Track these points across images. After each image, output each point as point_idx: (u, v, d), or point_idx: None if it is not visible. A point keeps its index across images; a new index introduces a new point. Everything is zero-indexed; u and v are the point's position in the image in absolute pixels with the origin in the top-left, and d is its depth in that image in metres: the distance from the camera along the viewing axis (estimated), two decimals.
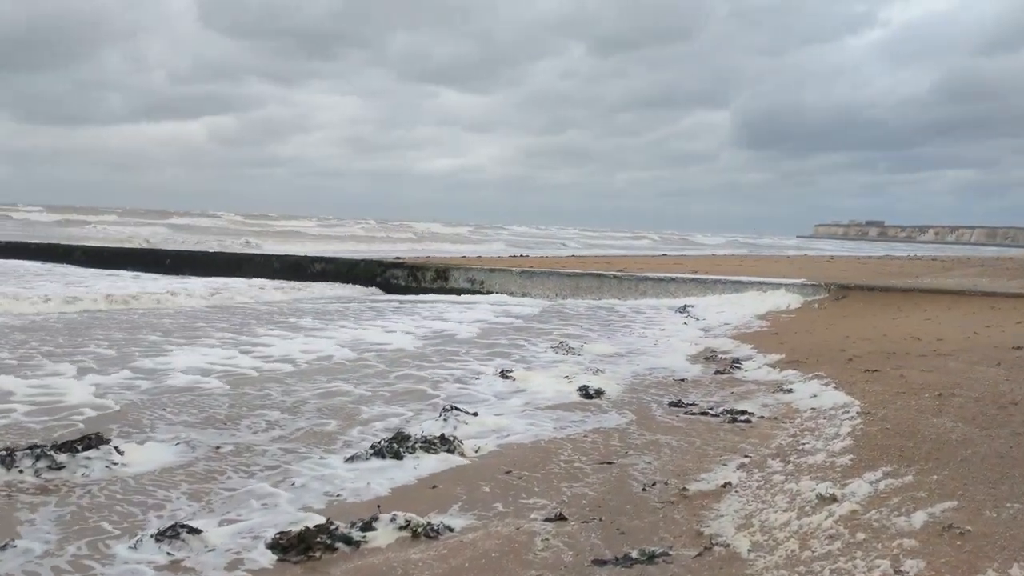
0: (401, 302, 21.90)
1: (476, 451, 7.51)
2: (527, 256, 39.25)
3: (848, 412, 8.76)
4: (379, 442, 7.37)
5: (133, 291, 20.92)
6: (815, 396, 9.80)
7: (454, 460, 7.22)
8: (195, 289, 21.74)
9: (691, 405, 9.53)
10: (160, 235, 55.39)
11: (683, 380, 11.19)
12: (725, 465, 7.08)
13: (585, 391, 10.11)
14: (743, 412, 9.05)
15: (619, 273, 24.46)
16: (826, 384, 10.31)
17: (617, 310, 20.94)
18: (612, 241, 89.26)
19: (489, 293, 24.58)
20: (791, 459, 7.00)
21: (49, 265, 29.86)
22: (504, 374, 10.88)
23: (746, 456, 7.35)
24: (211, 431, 8.04)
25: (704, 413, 9.12)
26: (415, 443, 7.33)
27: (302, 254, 31.67)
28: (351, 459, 7.13)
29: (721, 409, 9.23)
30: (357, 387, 10.32)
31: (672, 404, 9.59)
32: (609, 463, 7.16)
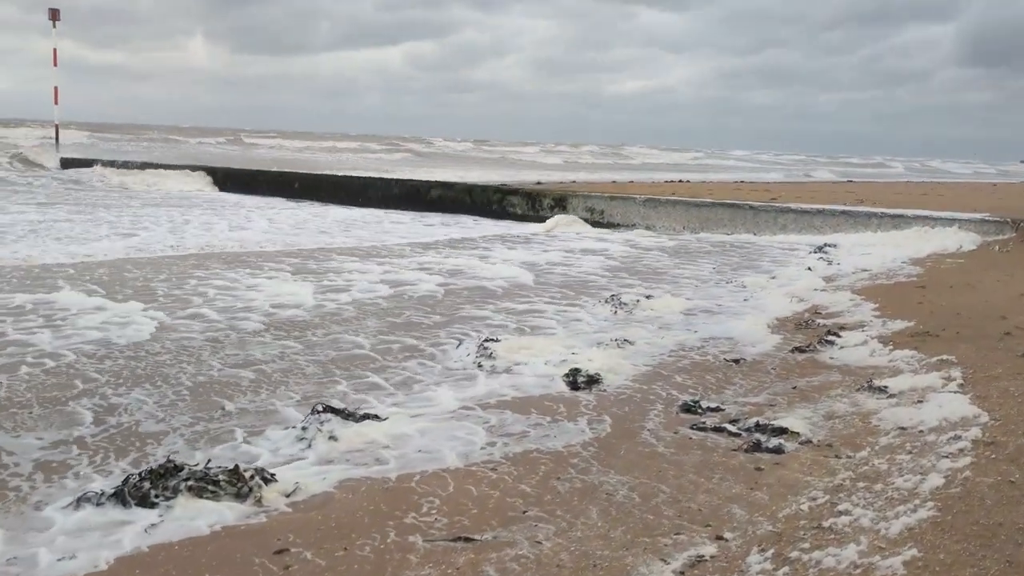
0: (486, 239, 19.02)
1: (288, 495, 4.78)
2: (683, 182, 35.37)
3: (960, 440, 5.40)
4: (136, 474, 4.72)
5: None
6: (920, 403, 6.36)
7: (234, 512, 4.51)
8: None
9: (711, 412, 6.32)
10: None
11: (736, 362, 7.88)
12: (663, 563, 3.96)
13: (574, 378, 7.05)
14: (782, 431, 5.79)
15: (756, 204, 20.57)
16: (948, 379, 6.79)
17: (743, 248, 17.41)
18: (807, 168, 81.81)
19: (612, 226, 21.36)
20: (793, 555, 3.82)
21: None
22: (484, 346, 7.94)
23: (719, 538, 4.19)
24: None
25: (720, 429, 5.91)
26: (184, 480, 4.63)
27: (422, 179, 29.36)
28: (79, 504, 4.53)
29: (752, 423, 5.99)
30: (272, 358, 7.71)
31: (684, 408, 6.41)
32: (468, 540, 4.18)
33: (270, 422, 5.99)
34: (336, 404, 6.13)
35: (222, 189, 29.75)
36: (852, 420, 6.11)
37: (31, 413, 6.04)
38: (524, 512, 4.55)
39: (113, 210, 21.33)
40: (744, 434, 5.83)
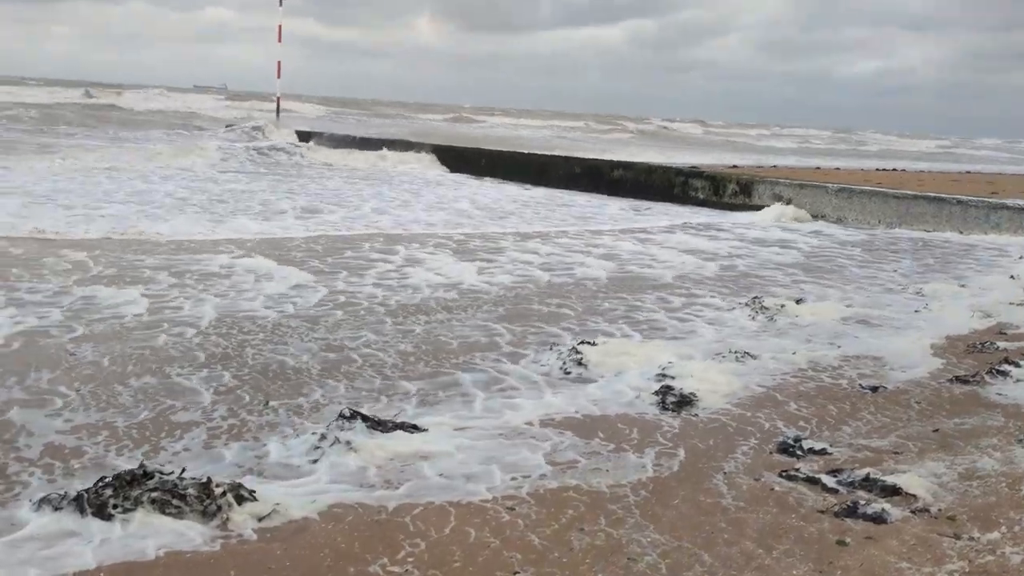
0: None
1: (261, 519, 4.15)
2: (897, 171, 32.42)
3: None
4: (104, 479, 4.27)
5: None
6: None
7: (192, 534, 3.98)
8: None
9: (812, 455, 5.19)
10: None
11: (873, 389, 6.58)
12: None
13: (663, 397, 6.05)
14: (894, 491, 4.63)
15: (965, 198, 18.22)
16: None
17: (943, 247, 15.46)
18: None
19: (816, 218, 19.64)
20: None
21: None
22: (576, 349, 7.05)
23: None
24: None
25: (813, 480, 4.79)
26: (150, 490, 4.13)
27: (604, 159, 28.38)
28: (39, 507, 4.14)
29: (859, 476, 4.82)
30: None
31: (781, 448, 5.32)
32: None
33: (315, 420, 5.43)
34: (366, 411, 5.44)
35: (445, 165, 28.36)
36: (997, 485, 4.79)
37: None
38: (513, 574, 3.69)
39: (316, 183, 21.64)
40: (843, 490, 4.67)
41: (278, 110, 46.80)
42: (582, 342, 7.33)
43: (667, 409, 5.97)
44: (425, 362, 6.86)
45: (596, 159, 27.83)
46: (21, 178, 17.87)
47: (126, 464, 4.63)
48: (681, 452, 5.21)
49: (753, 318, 8.93)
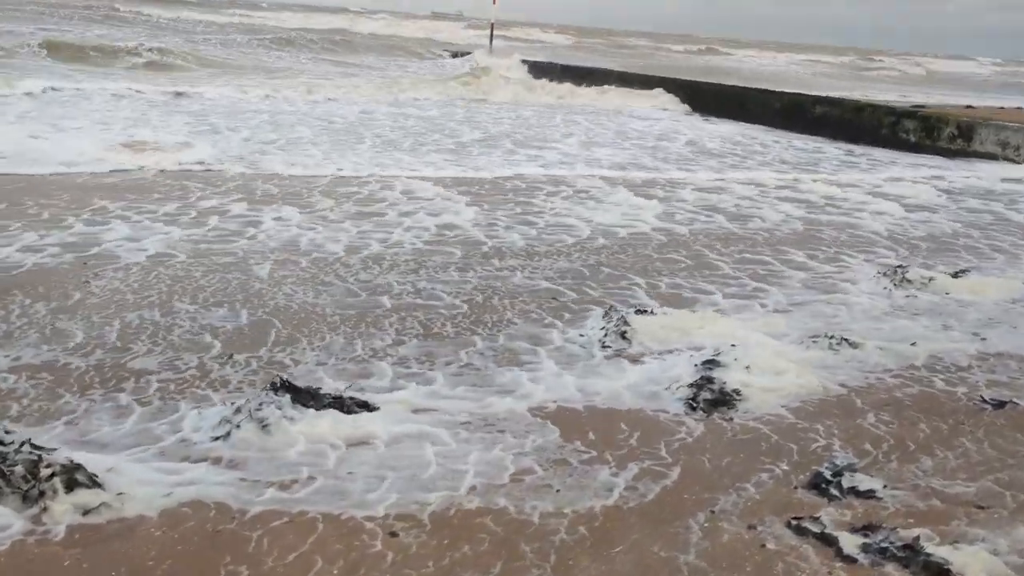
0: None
1: (87, 512, 3.45)
2: None
3: None
4: None
5: None
6: None
7: (3, 524, 3.31)
8: None
9: (849, 497, 3.91)
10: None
11: (998, 406, 5.07)
12: None
13: (696, 392, 4.84)
14: (938, 573, 3.23)
15: None
16: None
17: None
18: None
19: None
20: None
21: None
22: (625, 319, 5.88)
23: None
24: None
25: (828, 540, 3.52)
26: None
27: (807, 93, 25.73)
28: None
29: (896, 542, 3.48)
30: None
31: (813, 482, 4.01)
32: None
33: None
34: (303, 382, 4.59)
35: (688, 104, 24.65)
36: None
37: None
38: None
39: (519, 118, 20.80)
40: (864, 560, 3.36)
41: (491, 39, 46.33)
42: (638, 310, 6.09)
43: (695, 408, 4.73)
44: (455, 321, 5.91)
45: (798, 94, 25.26)
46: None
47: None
48: (675, 473, 4.01)
49: (888, 290, 7.28)
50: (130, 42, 26.96)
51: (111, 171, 10.00)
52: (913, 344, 5.94)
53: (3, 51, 22.76)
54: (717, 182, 12.38)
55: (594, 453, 4.18)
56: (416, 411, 4.52)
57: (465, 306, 6.20)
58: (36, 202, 8.23)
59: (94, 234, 7.34)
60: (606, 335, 5.73)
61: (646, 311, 6.07)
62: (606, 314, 6.14)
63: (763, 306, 6.69)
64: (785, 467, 4.13)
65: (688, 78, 28.56)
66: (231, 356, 5.05)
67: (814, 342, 5.82)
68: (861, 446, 4.41)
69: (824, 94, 25.36)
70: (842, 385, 5.19)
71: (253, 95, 18.61)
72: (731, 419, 4.65)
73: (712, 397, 4.82)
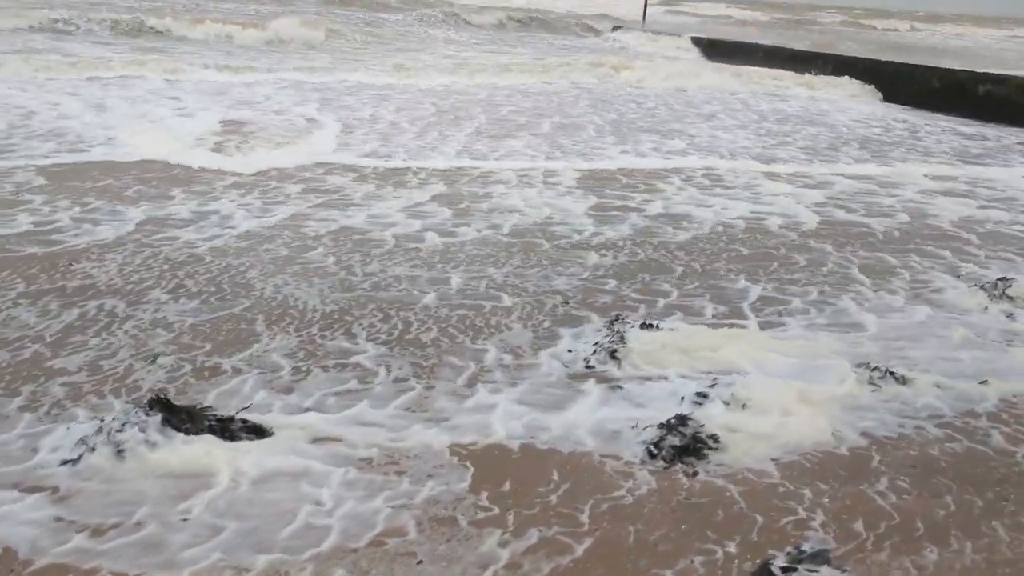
0: None
1: None
2: None
3: None
4: None
5: None
6: None
7: None
8: None
9: None
10: None
11: None
12: None
13: (664, 435, 3.98)
14: None
15: None
16: None
17: None
18: None
19: None
20: None
21: None
22: (622, 335, 5.03)
23: None
24: None
25: None
26: None
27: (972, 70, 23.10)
28: None
29: None
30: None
31: (774, 573, 3.06)
32: None
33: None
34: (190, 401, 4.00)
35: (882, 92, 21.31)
36: None
37: None
38: None
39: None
40: None
41: (644, 13, 44.86)
42: (644, 324, 5.20)
43: (655, 455, 3.83)
44: (447, 324, 5.22)
45: (964, 70, 22.72)
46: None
47: None
48: (581, 548, 3.21)
49: (985, 308, 6.04)
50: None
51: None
52: (983, 383, 4.76)
53: None
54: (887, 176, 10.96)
55: (495, 511, 3.39)
56: (315, 440, 3.85)
57: (471, 306, 5.47)
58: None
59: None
60: (595, 352, 4.87)
61: (652, 325, 5.16)
62: (610, 325, 5.26)
63: (822, 322, 5.61)
64: (732, 549, 3.22)
65: (882, 59, 25.66)
66: (156, 359, 4.52)
67: (851, 374, 4.76)
68: (850, 524, 3.42)
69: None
70: (864, 434, 4.15)
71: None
72: (695, 473, 3.74)
73: (681, 443, 3.92)
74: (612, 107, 15.60)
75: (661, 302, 5.82)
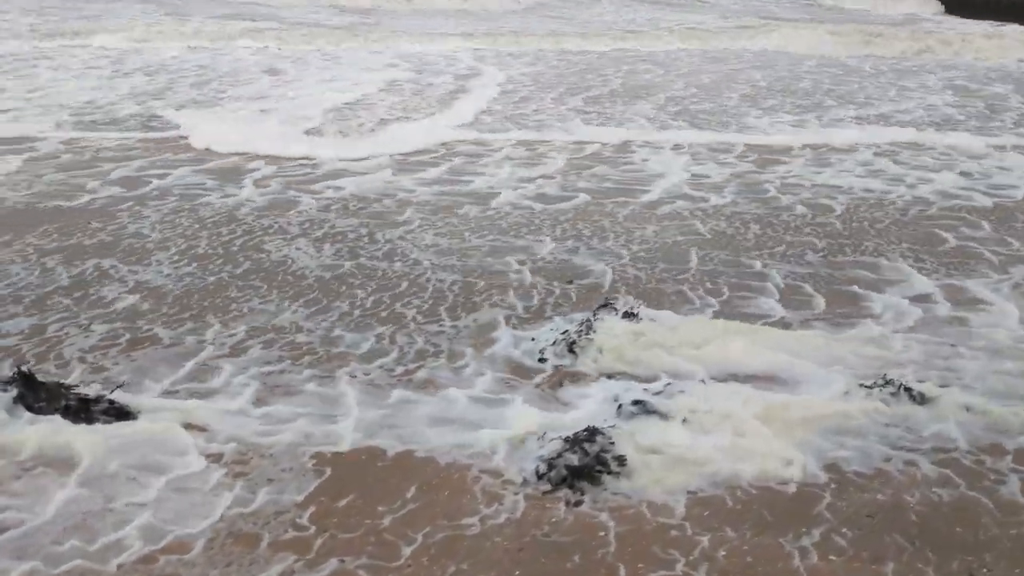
0: None
1: None
2: None
3: None
4: None
5: None
6: None
7: None
8: None
9: None
10: None
11: None
12: None
13: (569, 446, 3.38)
14: None
15: None
16: None
17: None
18: None
19: None
20: None
21: None
22: (591, 324, 4.40)
23: None
24: None
25: None
26: None
27: None
28: None
29: None
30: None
31: None
32: None
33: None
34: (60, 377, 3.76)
35: None
36: None
37: None
38: None
39: None
40: None
41: None
42: (626, 313, 4.50)
43: (543, 476, 3.21)
44: (440, 298, 4.81)
45: None
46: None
47: None
48: None
49: None
50: None
51: None
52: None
53: None
54: None
55: (309, 531, 2.93)
56: (184, 427, 3.51)
57: (459, 283, 5.00)
58: None
59: None
60: (554, 344, 4.24)
61: (633, 315, 4.43)
62: (597, 311, 4.59)
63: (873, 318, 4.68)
64: None
65: None
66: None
67: (868, 387, 3.86)
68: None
69: None
70: (830, 467, 3.32)
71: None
72: (579, 503, 3.09)
73: (579, 463, 3.26)
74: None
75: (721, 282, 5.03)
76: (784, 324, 4.58)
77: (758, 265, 5.43)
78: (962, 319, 4.68)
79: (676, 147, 8.48)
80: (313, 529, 2.93)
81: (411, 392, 3.84)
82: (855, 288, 5.09)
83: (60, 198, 6.44)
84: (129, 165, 7.38)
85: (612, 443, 3.33)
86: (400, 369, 4.04)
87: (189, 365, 4.01)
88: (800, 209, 6.60)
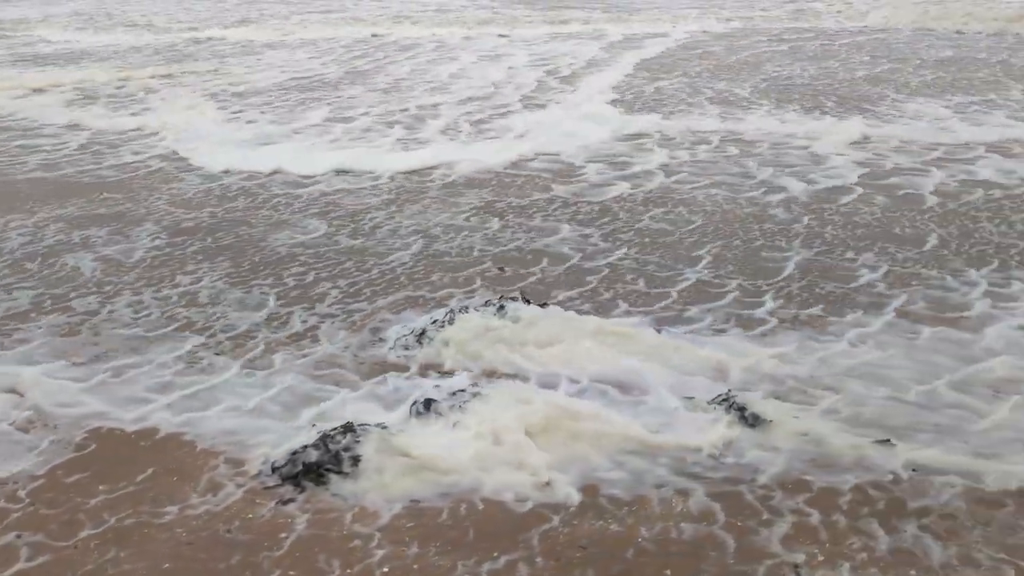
0: None
1: None
2: None
3: None
4: None
5: None
6: None
7: None
8: None
9: None
10: None
11: None
12: None
13: (292, 462, 3.29)
14: None
15: None
16: None
17: None
18: None
19: None
20: None
21: None
22: (441, 324, 4.22)
23: None
24: None
25: None
26: None
27: None
28: None
29: None
30: None
31: None
32: None
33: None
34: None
35: None
36: None
37: None
38: None
39: None
40: None
41: None
42: (500, 300, 4.27)
43: (276, 471, 3.14)
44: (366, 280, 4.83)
45: None
46: None
47: None
48: None
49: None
50: None
51: None
52: (884, 442, 3.21)
53: None
54: None
55: (15, 503, 2.97)
56: (10, 390, 3.70)
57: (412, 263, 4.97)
58: None
59: None
60: (404, 336, 4.10)
61: (501, 308, 4.20)
62: (486, 305, 4.38)
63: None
64: None
65: None
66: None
67: (707, 404, 3.48)
68: None
69: None
70: (585, 490, 3.02)
71: None
72: (290, 501, 3.01)
73: (317, 459, 3.14)
74: None
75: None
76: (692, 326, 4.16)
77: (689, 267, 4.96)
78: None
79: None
80: (20, 503, 2.97)
81: (224, 375, 3.81)
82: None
83: None
84: None
85: (358, 442, 3.16)
86: (238, 351, 4.02)
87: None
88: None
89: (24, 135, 8.43)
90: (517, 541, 2.76)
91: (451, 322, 4.09)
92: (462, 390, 3.51)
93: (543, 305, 4.28)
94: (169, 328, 4.27)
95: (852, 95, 9.44)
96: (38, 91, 10.51)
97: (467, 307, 4.25)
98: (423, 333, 4.03)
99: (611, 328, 4.08)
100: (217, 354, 4.01)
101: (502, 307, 4.18)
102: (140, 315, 4.42)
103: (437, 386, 3.61)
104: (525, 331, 4.00)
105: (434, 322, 4.14)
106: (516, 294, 4.49)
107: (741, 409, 3.37)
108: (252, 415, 3.51)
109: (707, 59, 11.93)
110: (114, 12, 19.35)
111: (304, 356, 3.97)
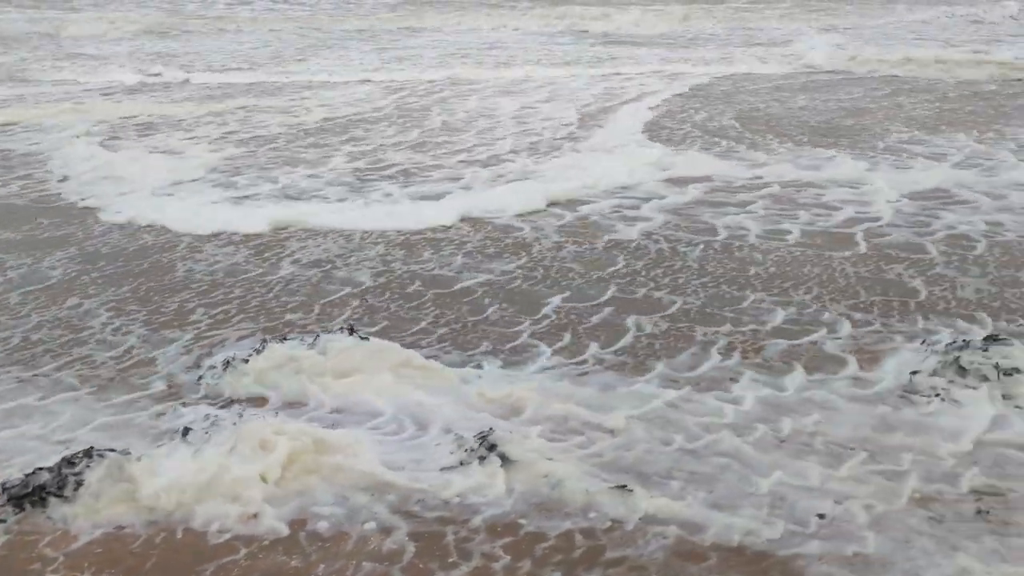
0: None
1: None
2: None
3: None
4: None
5: None
6: None
7: None
8: None
9: None
10: None
11: None
12: None
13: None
14: None
15: None
16: None
17: None
18: None
19: None
20: None
21: None
22: (245, 358, 4.23)
23: None
24: None
25: None
26: None
27: None
28: None
29: None
30: None
31: None
32: None
33: None
34: None
35: None
36: None
37: None
38: None
39: None
40: None
41: None
42: (313, 333, 4.26)
43: (6, 491, 3.18)
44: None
45: None
46: None
47: None
48: None
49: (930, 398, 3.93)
50: None
51: None
52: (622, 487, 3.11)
53: None
54: None
55: None
56: None
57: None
58: None
59: None
60: (223, 364, 4.12)
61: (316, 337, 4.19)
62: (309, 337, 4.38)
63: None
64: None
65: None
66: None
67: (471, 445, 3.42)
68: None
69: None
70: (293, 523, 2.98)
71: None
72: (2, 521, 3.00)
73: (42, 482, 3.16)
74: None
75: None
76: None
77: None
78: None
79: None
80: None
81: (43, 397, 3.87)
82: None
83: None
84: None
85: (89, 467, 3.17)
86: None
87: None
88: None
89: None
90: (191, 572, 2.73)
91: (259, 352, 4.08)
92: (219, 419, 3.50)
93: (364, 338, 4.23)
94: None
95: None
96: None
97: (285, 337, 4.24)
98: (229, 362, 4.04)
99: (418, 363, 4.02)
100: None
101: (317, 337, 4.17)
102: None
103: (207, 416, 3.60)
104: (326, 361, 3.97)
105: (250, 352, 4.13)
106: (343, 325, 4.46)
107: (491, 448, 3.28)
108: (23, 436, 3.54)
109: None
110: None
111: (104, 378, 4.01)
